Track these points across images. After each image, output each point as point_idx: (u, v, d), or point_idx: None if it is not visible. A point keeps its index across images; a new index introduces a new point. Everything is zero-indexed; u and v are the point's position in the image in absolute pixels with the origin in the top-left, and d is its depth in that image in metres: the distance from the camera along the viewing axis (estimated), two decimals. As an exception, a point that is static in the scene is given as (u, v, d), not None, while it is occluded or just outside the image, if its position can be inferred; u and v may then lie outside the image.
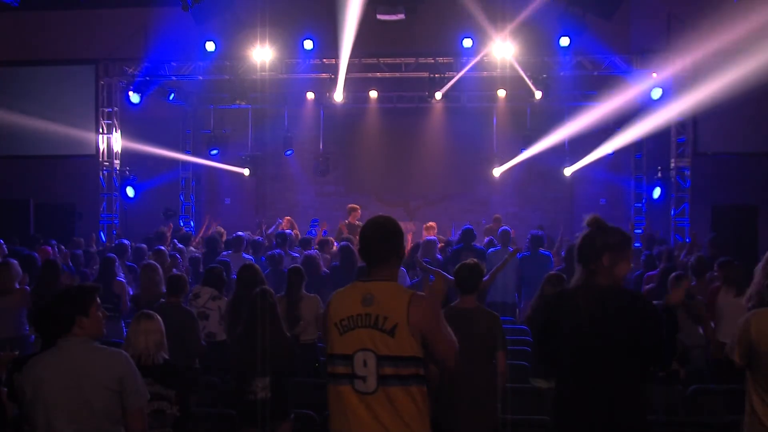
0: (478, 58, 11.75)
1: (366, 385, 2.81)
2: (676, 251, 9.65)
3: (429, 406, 2.89)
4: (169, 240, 10.44)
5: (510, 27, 11.16)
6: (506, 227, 9.20)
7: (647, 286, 7.38)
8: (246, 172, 15.17)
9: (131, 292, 7.31)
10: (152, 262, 7.04)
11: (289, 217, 12.06)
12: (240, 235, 9.16)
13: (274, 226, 11.42)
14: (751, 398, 3.29)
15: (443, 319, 2.91)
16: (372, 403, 2.80)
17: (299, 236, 10.80)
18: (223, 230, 10.97)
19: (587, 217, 3.24)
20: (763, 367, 3.23)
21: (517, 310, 8.51)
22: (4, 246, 8.38)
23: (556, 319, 3.13)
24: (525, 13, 10.81)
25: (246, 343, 4.53)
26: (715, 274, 6.62)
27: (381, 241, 2.97)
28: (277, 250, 8.89)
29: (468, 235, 8.61)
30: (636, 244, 11.11)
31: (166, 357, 4.12)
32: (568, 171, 14.59)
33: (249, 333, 4.54)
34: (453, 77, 12.26)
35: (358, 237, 9.44)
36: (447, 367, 2.92)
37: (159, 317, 4.19)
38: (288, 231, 10.46)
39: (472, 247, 8.37)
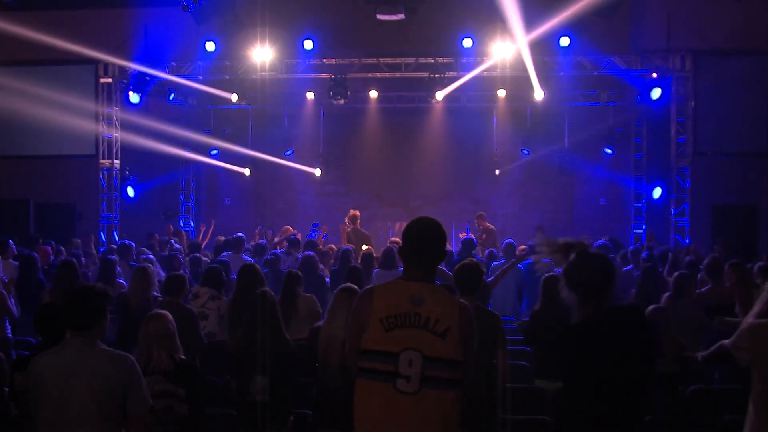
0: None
1: (409, 385, 2.78)
2: (684, 255, 9.61)
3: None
4: (166, 242, 10.45)
5: (510, 27, 11.14)
6: (511, 240, 9.15)
7: (634, 289, 7.34)
8: (246, 171, 15.19)
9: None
10: (147, 265, 6.92)
11: (287, 227, 12.09)
12: (240, 236, 9.17)
13: (278, 240, 11.45)
14: (752, 414, 3.30)
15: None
16: (412, 404, 2.78)
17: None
18: (222, 238, 10.94)
19: (575, 249, 3.12)
20: (760, 380, 3.23)
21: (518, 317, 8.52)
22: (13, 246, 8.28)
23: (582, 350, 3.10)
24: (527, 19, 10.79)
25: (246, 344, 4.53)
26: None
27: (434, 244, 2.99)
28: (278, 250, 8.91)
29: (468, 245, 8.67)
30: (636, 245, 11.12)
31: (182, 357, 4.09)
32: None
33: (249, 334, 4.53)
34: (453, 77, 12.26)
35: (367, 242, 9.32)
36: (465, 378, 2.95)
37: (168, 315, 4.11)
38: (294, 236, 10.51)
39: (472, 257, 8.38)
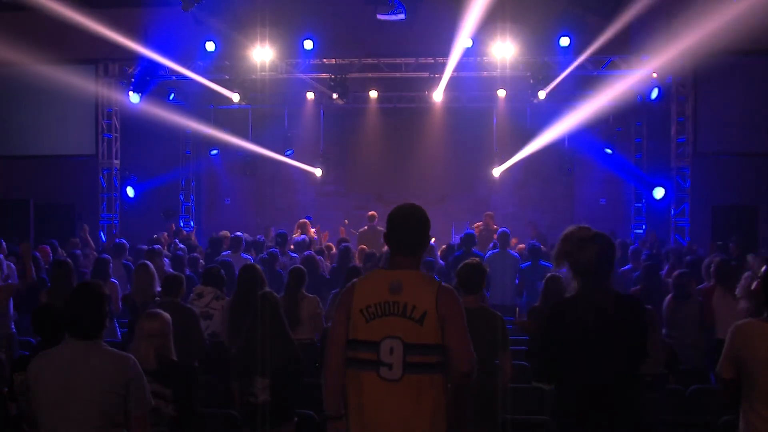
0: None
1: (392, 372, 2.84)
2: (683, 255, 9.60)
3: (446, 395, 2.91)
4: (170, 243, 10.43)
5: (510, 27, 11.16)
6: (505, 229, 9.18)
7: (634, 288, 7.34)
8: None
9: (121, 293, 7.30)
10: (146, 261, 6.94)
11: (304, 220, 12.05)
12: (239, 235, 9.17)
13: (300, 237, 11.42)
14: (747, 415, 3.27)
15: (465, 321, 2.94)
16: (397, 391, 2.84)
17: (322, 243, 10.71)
18: (227, 233, 10.90)
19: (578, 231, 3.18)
20: (756, 382, 3.22)
21: (517, 309, 8.51)
22: (3, 244, 8.30)
23: (557, 329, 3.14)
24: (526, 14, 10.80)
25: (250, 346, 4.50)
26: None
27: (414, 230, 3.01)
28: (273, 249, 8.91)
29: (468, 240, 8.65)
30: (636, 245, 11.10)
31: (172, 358, 4.06)
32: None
33: (252, 337, 4.51)
34: (453, 77, 12.27)
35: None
36: (458, 370, 2.91)
37: (165, 316, 4.10)
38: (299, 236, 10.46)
39: (472, 252, 8.39)
